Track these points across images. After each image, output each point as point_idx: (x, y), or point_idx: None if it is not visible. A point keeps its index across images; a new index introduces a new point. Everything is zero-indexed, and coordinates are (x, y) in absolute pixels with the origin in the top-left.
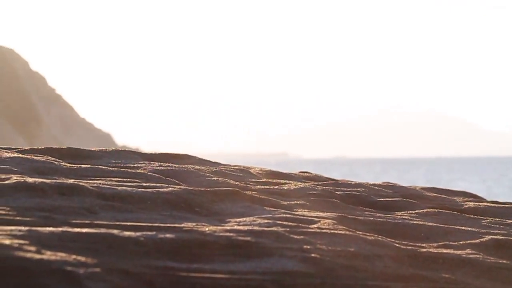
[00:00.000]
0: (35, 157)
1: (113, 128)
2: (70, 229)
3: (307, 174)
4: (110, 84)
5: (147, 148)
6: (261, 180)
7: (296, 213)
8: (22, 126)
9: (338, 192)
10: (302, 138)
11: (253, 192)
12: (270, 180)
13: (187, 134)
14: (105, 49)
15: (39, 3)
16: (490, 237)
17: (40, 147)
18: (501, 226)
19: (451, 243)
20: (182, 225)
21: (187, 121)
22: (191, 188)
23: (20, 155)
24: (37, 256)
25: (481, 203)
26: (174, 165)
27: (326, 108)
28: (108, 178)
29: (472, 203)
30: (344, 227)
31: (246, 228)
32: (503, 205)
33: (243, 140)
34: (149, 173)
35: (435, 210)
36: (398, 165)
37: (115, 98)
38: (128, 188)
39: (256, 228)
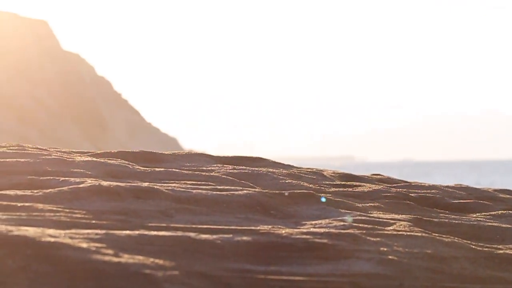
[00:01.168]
0: (109, 161)
1: (179, 132)
2: (146, 232)
3: (380, 176)
4: (177, 89)
5: (213, 151)
6: (334, 183)
7: (371, 215)
8: (88, 130)
9: (412, 194)
10: (367, 140)
11: (327, 195)
12: (343, 182)
13: (252, 137)
14: (172, 53)
15: (104, 8)
16: None
17: (112, 151)
18: None
19: None
20: (258, 227)
21: (252, 124)
22: (266, 190)
23: (94, 159)
24: (115, 259)
25: None
26: (247, 167)
27: (392, 110)
28: (182, 181)
29: None
30: (420, 229)
31: (322, 230)
32: None
33: (308, 143)
34: (223, 176)
35: (510, 211)
36: (465, 167)
37: (182, 102)
38: (203, 191)
39: (332, 230)
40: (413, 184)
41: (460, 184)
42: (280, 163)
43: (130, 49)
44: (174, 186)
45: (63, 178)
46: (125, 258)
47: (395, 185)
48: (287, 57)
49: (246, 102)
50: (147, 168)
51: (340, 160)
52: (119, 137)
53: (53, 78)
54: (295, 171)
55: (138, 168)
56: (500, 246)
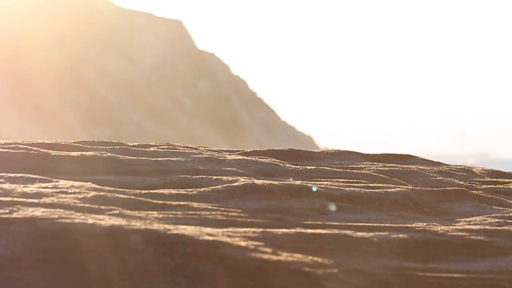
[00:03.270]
0: (260, 159)
1: (314, 130)
2: (303, 230)
3: None
4: (312, 87)
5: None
6: (485, 180)
7: None
8: (224, 129)
9: None
10: (504, 137)
11: (479, 192)
12: (493, 179)
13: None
14: (307, 51)
15: (239, 7)
16: None
17: (262, 149)
18: None
19: None
20: (414, 225)
21: (384, 122)
22: (418, 188)
23: (244, 157)
24: (274, 258)
25: None
26: (397, 165)
27: None
28: (334, 179)
29: None
30: None
31: (478, 227)
32: None
33: (442, 140)
34: (374, 174)
35: None
36: None
37: (317, 100)
38: (356, 189)
39: (487, 227)
40: None
41: None
42: (429, 160)
43: (265, 47)
44: (327, 184)
45: (215, 177)
46: (284, 256)
47: None
48: (420, 54)
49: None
50: (298, 166)
51: (475, 157)
52: (255, 136)
53: (189, 77)
54: (445, 168)
55: (289, 166)
56: None
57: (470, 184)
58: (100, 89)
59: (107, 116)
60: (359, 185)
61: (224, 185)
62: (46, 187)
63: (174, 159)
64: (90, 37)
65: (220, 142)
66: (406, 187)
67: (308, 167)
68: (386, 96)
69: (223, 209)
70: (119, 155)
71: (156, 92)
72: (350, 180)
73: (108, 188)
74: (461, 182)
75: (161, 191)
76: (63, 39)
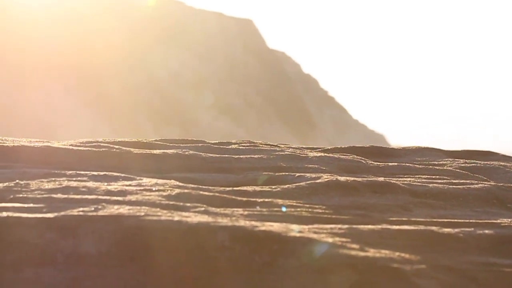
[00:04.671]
0: (341, 156)
1: (386, 129)
2: (389, 227)
3: None
4: (383, 84)
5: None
6: None
7: None
8: (296, 128)
9: None
10: None
11: None
12: None
13: (459, 132)
14: (377, 50)
15: (308, 5)
16: None
17: (343, 146)
18: None
19: None
20: (498, 221)
21: (458, 119)
22: (501, 184)
23: (326, 154)
24: (362, 254)
25: None
26: (478, 161)
27: None
28: (417, 176)
29: None
30: None
31: None
32: None
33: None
34: (456, 170)
35: None
36: None
37: (389, 98)
38: (439, 185)
39: None
40: None
41: None
42: (510, 157)
43: (336, 45)
44: (410, 181)
45: (298, 174)
46: (372, 252)
47: None
48: (495, 52)
49: (451, 97)
50: (380, 163)
51: None
52: (326, 134)
53: (260, 76)
54: None
55: (371, 163)
56: None
57: None
58: (171, 88)
59: (178, 115)
60: (442, 181)
61: (308, 182)
62: (130, 185)
63: (256, 156)
64: (161, 37)
65: (291, 140)
66: (488, 183)
67: (390, 164)
68: (459, 93)
69: (307, 206)
70: (201, 153)
71: (227, 91)
72: (433, 177)
73: (192, 185)
74: None
75: (245, 188)
76: (134, 39)
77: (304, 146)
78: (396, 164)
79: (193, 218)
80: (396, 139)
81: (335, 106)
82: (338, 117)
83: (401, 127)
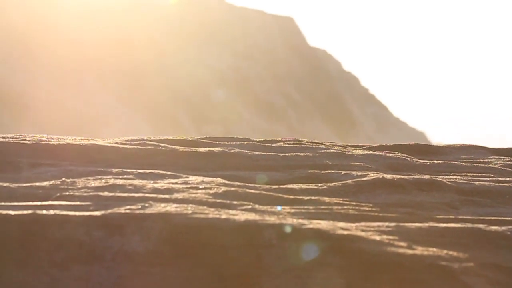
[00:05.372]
0: (387, 154)
1: (426, 126)
2: (436, 224)
3: None
4: (423, 82)
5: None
6: None
7: None
8: (336, 126)
9: None
10: None
11: None
12: None
13: (501, 129)
14: (418, 47)
15: (350, 3)
16: None
17: (388, 144)
18: None
19: None
20: None
21: (498, 116)
22: None
23: (371, 152)
24: (410, 252)
25: None
26: None
27: None
28: (463, 173)
29: None
30: None
31: None
32: None
33: None
34: (501, 168)
35: None
36: None
37: (429, 95)
38: (485, 183)
39: None
40: None
41: None
42: None
43: (377, 44)
44: (456, 178)
45: (344, 172)
46: (419, 250)
47: None
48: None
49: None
50: (426, 161)
51: None
52: (367, 132)
53: (300, 74)
54: None
55: (416, 161)
56: None
57: None
58: (212, 86)
59: (219, 113)
60: (488, 179)
61: (354, 180)
62: (176, 183)
63: (301, 154)
64: (202, 34)
65: (332, 138)
66: None
67: (435, 162)
68: (501, 90)
69: (354, 203)
70: (246, 151)
71: (268, 89)
72: (479, 174)
73: (238, 183)
74: None
75: (291, 186)
76: (175, 37)
77: (349, 144)
78: (441, 162)
79: (241, 216)
80: (437, 137)
81: (375, 104)
82: (379, 115)
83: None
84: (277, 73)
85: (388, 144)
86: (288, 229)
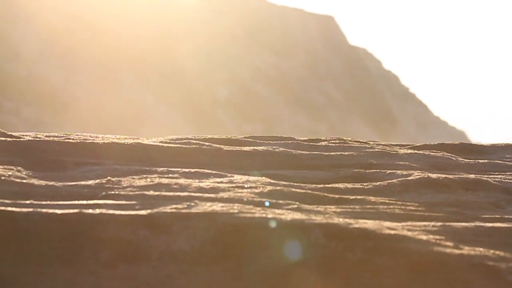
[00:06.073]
0: (431, 153)
1: (467, 125)
2: (482, 224)
3: None
4: (464, 80)
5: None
6: None
7: None
8: (376, 125)
9: None
10: None
11: None
12: None
13: None
14: (458, 44)
15: (390, 1)
16: None
17: (431, 143)
18: None
19: None
20: None
21: None
22: None
23: (416, 151)
24: (456, 251)
25: None
26: None
27: None
28: (508, 173)
29: None
30: None
31: None
32: None
33: None
34: None
35: None
36: None
37: (470, 94)
38: None
39: None
40: None
41: None
42: None
43: (417, 42)
44: (501, 178)
45: (389, 171)
46: (466, 250)
47: None
48: None
49: None
50: (470, 160)
51: None
52: (408, 131)
53: (340, 73)
54: None
55: (461, 160)
56: None
57: None
58: (252, 85)
59: (259, 112)
60: None
61: (399, 179)
62: (221, 182)
63: (346, 153)
64: (241, 33)
65: (372, 137)
66: None
67: (480, 161)
68: None
69: (400, 203)
70: (291, 150)
71: (308, 87)
72: None
73: (283, 182)
74: None
75: (336, 185)
76: (215, 36)
77: (393, 143)
78: (486, 161)
79: (287, 215)
80: (477, 136)
81: (416, 103)
82: (419, 114)
83: (482, 123)
84: (317, 72)
85: (432, 143)
86: (334, 229)
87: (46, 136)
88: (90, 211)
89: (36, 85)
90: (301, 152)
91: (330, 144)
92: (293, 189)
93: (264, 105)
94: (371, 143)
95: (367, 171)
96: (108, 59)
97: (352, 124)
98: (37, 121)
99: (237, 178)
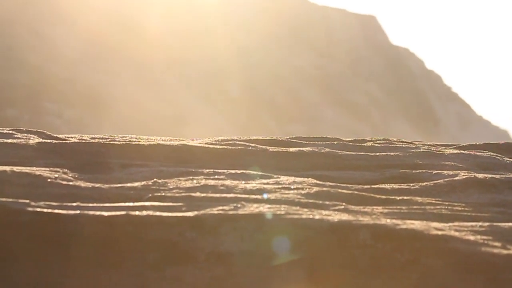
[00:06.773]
0: (477, 153)
1: (510, 124)
2: None
3: None
4: (507, 79)
5: None
6: None
7: None
8: (419, 125)
9: None
10: None
11: None
12: None
13: None
14: (503, 44)
15: (433, 0)
16: None
17: (477, 143)
18: None
19: None
20: None
21: None
22: None
23: (461, 151)
24: (504, 252)
25: None
26: None
27: None
28: None
29: None
30: None
31: None
32: None
33: None
34: None
35: None
36: None
37: None
38: None
39: None
40: None
41: None
42: None
43: (458, 41)
44: None
45: (435, 171)
46: None
47: None
48: None
49: None
50: None
51: None
52: (450, 131)
53: (383, 73)
54: None
55: (507, 160)
56: None
57: None
58: (295, 85)
59: (302, 112)
60: None
61: (446, 179)
62: (267, 183)
63: (392, 153)
64: (284, 33)
65: (415, 137)
66: None
67: None
68: None
69: (446, 203)
70: (337, 150)
71: (351, 87)
72: None
73: (330, 183)
74: None
75: (383, 185)
76: (258, 36)
77: (438, 143)
78: None
79: (334, 216)
80: None
81: (458, 102)
82: (462, 113)
83: None
84: (359, 72)
85: (477, 143)
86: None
87: (92, 138)
88: (137, 213)
89: (78, 86)
90: (347, 152)
91: (376, 145)
92: (339, 190)
93: (306, 106)
94: (417, 143)
95: (413, 171)
96: (149, 60)
97: (395, 124)
98: (79, 123)
99: (283, 179)
